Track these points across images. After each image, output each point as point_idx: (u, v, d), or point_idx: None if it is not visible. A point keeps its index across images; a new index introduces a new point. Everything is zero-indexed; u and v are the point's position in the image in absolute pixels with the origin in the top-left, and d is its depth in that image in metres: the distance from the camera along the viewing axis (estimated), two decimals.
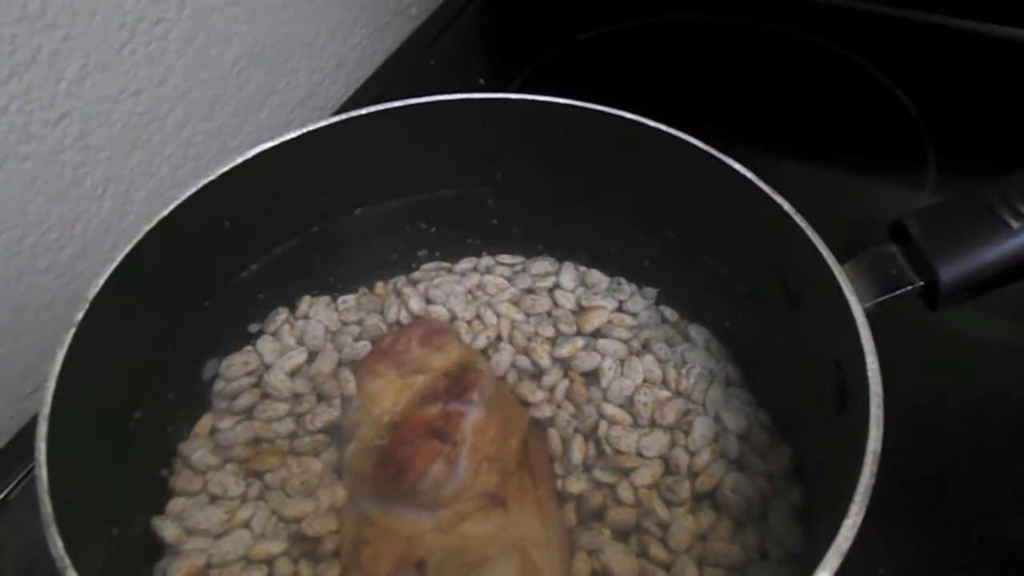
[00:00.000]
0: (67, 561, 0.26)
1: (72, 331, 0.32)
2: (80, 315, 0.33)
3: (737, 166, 0.37)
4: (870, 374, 0.29)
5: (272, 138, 0.40)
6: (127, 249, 0.35)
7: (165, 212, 0.37)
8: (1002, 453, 0.44)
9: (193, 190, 0.38)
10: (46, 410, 0.30)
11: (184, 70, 0.57)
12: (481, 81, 0.68)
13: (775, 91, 0.65)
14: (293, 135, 0.40)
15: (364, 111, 0.41)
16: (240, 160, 0.39)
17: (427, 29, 0.78)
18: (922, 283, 0.33)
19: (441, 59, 0.74)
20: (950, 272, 0.32)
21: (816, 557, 0.26)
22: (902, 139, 0.61)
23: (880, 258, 0.34)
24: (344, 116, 0.41)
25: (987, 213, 0.32)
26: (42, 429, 0.29)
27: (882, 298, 0.33)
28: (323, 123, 0.41)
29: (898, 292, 0.33)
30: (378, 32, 0.76)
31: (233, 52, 0.61)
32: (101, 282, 0.34)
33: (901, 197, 0.59)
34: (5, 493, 0.46)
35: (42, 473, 0.28)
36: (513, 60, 0.71)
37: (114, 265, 0.34)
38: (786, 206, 0.35)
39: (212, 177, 0.38)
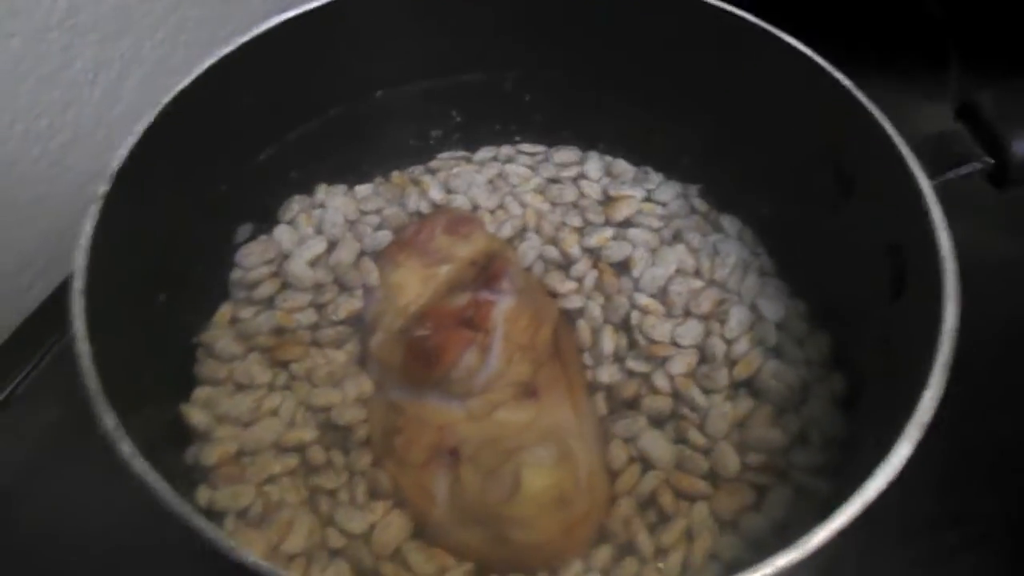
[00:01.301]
0: (122, 431, 0.25)
1: (100, 204, 0.30)
2: (105, 188, 0.31)
3: (792, 41, 0.35)
4: (943, 250, 0.29)
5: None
6: (147, 121, 0.33)
7: (184, 84, 0.34)
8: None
9: (212, 61, 0.35)
10: (80, 284, 0.28)
11: None
12: None
13: None
14: (316, 4, 0.37)
15: None
16: (262, 29, 0.37)
17: None
18: (992, 160, 0.32)
19: None
20: (1021, 148, 0.32)
21: (887, 433, 0.26)
22: (923, 42, 0.59)
23: (945, 137, 0.33)
24: None
25: None
26: (78, 303, 0.28)
27: (947, 175, 0.32)
28: None
29: (965, 169, 0.32)
30: None
31: None
32: (124, 154, 0.32)
33: (921, 103, 0.57)
34: (8, 391, 0.45)
35: (84, 348, 0.27)
36: None
37: (136, 137, 0.33)
38: (846, 82, 0.33)
39: (231, 48, 0.36)
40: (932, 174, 0.31)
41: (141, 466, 0.25)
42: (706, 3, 0.37)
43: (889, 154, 0.32)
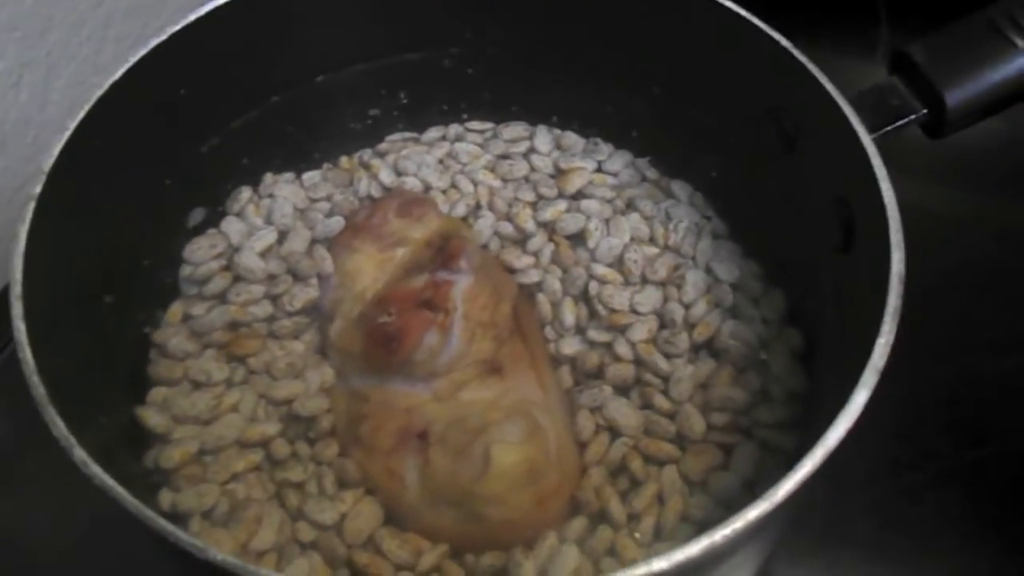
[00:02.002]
0: (72, 439, 0.24)
1: (32, 204, 0.29)
2: (38, 188, 0.30)
3: (730, 4, 0.35)
4: (886, 200, 0.29)
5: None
6: (80, 116, 0.32)
7: (116, 76, 0.33)
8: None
9: (144, 51, 0.34)
10: (18, 289, 0.27)
11: None
12: None
13: None
14: None
15: None
16: (193, 18, 0.35)
17: None
18: (926, 111, 0.33)
19: None
20: (956, 96, 0.32)
21: (845, 383, 0.27)
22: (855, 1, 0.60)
23: (881, 90, 0.34)
24: None
25: (992, 33, 0.32)
26: (17, 309, 0.27)
27: (888, 128, 0.32)
28: None
29: (902, 122, 0.33)
30: None
31: None
32: (56, 153, 0.31)
33: (852, 59, 0.58)
34: None
35: (26, 355, 0.26)
36: None
37: (67, 134, 0.31)
38: (785, 42, 0.34)
39: (163, 37, 0.35)
40: (872, 128, 0.31)
41: (96, 472, 0.24)
42: None
43: (829, 111, 0.32)
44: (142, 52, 0.34)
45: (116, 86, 0.33)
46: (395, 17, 0.42)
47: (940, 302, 0.45)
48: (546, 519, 0.35)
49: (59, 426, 0.25)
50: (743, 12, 0.35)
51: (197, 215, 0.42)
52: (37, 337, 0.27)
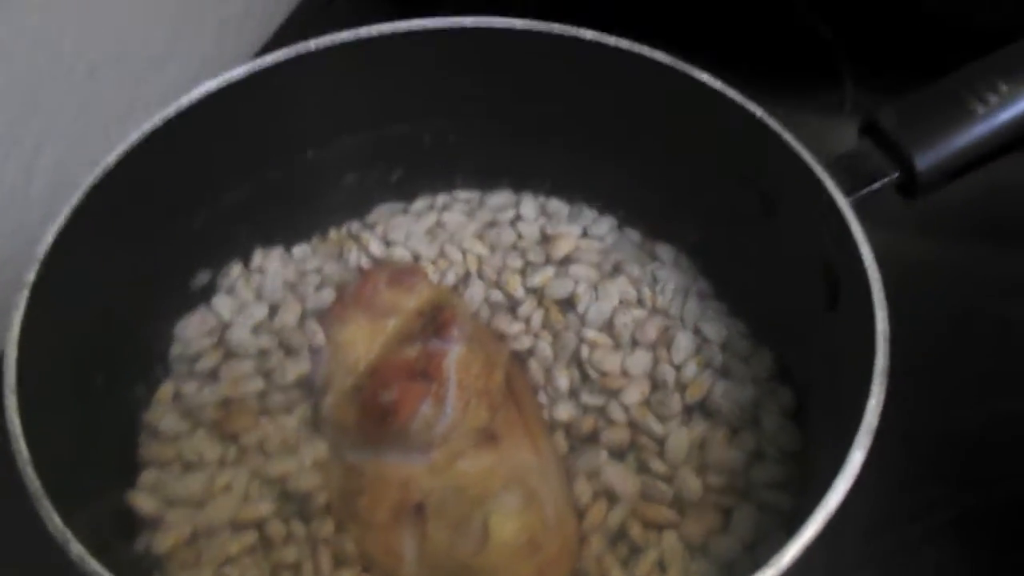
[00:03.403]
0: (68, 534, 0.24)
1: (27, 292, 0.29)
2: (32, 275, 0.30)
3: (706, 77, 0.36)
4: (866, 262, 0.30)
5: (181, 94, 0.37)
6: (73, 202, 0.32)
7: (109, 161, 0.34)
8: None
9: (137, 136, 0.35)
10: (12, 380, 0.27)
11: (82, 22, 0.53)
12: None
13: (684, 21, 0.65)
14: (240, 73, 0.37)
15: (312, 45, 0.39)
16: (185, 103, 0.36)
17: None
18: (898, 174, 0.34)
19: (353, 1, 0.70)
20: (925, 160, 0.33)
21: (839, 442, 0.27)
22: (818, 62, 0.62)
23: (854, 156, 0.35)
24: (292, 51, 0.39)
25: (955, 101, 0.34)
26: (11, 401, 0.27)
27: (862, 192, 0.33)
28: (270, 59, 0.38)
29: (876, 185, 0.34)
30: None
31: (134, 1, 0.56)
32: (50, 238, 0.31)
33: (821, 119, 0.60)
34: None
35: (21, 447, 0.26)
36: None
37: (61, 219, 0.32)
38: (759, 113, 0.35)
39: (156, 123, 0.35)
40: (848, 192, 0.32)
41: (94, 567, 0.24)
42: (619, 48, 0.38)
43: (806, 177, 0.33)
44: (134, 138, 0.35)
45: (109, 172, 0.34)
46: (379, 93, 0.43)
47: (926, 352, 0.46)
48: None
49: (55, 521, 0.24)
50: (716, 84, 0.36)
51: (187, 292, 0.42)
52: (30, 428, 0.27)
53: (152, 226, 0.38)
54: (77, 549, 0.24)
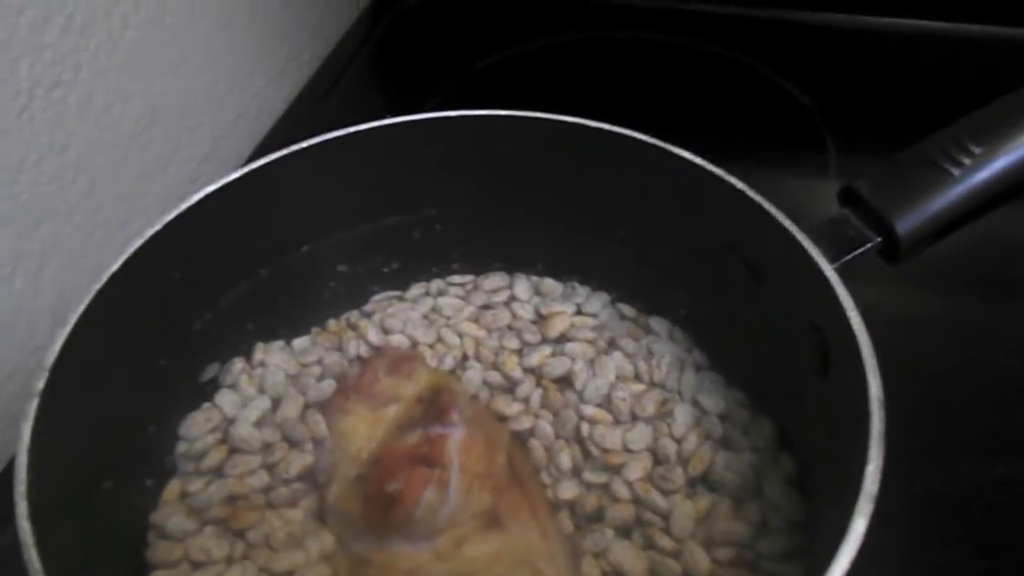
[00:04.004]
0: None
1: (35, 401, 0.30)
2: (41, 384, 0.30)
3: (686, 154, 0.38)
4: (855, 328, 0.31)
5: (181, 198, 0.39)
6: (80, 310, 0.33)
7: (114, 267, 0.35)
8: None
9: (140, 242, 0.36)
10: (22, 488, 0.28)
11: (85, 134, 0.55)
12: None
13: (667, 98, 0.67)
14: (237, 175, 0.39)
15: (306, 144, 0.40)
16: (184, 207, 0.37)
17: (324, 74, 0.77)
18: (880, 239, 0.35)
19: (344, 100, 0.73)
20: (905, 224, 0.35)
21: (842, 509, 0.27)
22: (798, 128, 0.64)
23: (835, 223, 0.36)
24: (286, 151, 0.40)
25: (930, 165, 0.35)
26: (22, 508, 0.27)
27: (845, 258, 0.34)
28: (264, 161, 0.40)
29: (859, 251, 0.35)
30: (274, 81, 0.75)
31: (134, 112, 0.59)
32: (57, 347, 0.32)
33: (806, 183, 0.62)
34: None
35: (32, 555, 0.26)
36: (416, 94, 0.71)
37: (68, 328, 0.32)
38: (740, 185, 0.36)
39: (158, 227, 0.37)
40: (832, 259, 0.33)
41: None
42: (601, 130, 0.40)
43: (790, 246, 0.34)
44: (137, 242, 0.36)
45: (113, 278, 0.35)
46: (371, 187, 0.45)
47: (925, 412, 0.46)
48: None
49: None
50: (698, 160, 0.38)
51: (191, 391, 0.42)
52: (41, 533, 0.27)
53: (155, 328, 0.39)
54: None
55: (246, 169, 0.39)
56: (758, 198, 0.36)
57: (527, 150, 0.43)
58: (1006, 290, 0.55)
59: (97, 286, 0.34)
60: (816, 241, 0.34)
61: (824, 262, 0.33)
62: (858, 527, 0.26)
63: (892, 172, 0.36)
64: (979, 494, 0.45)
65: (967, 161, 0.35)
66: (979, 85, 0.44)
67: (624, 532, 0.38)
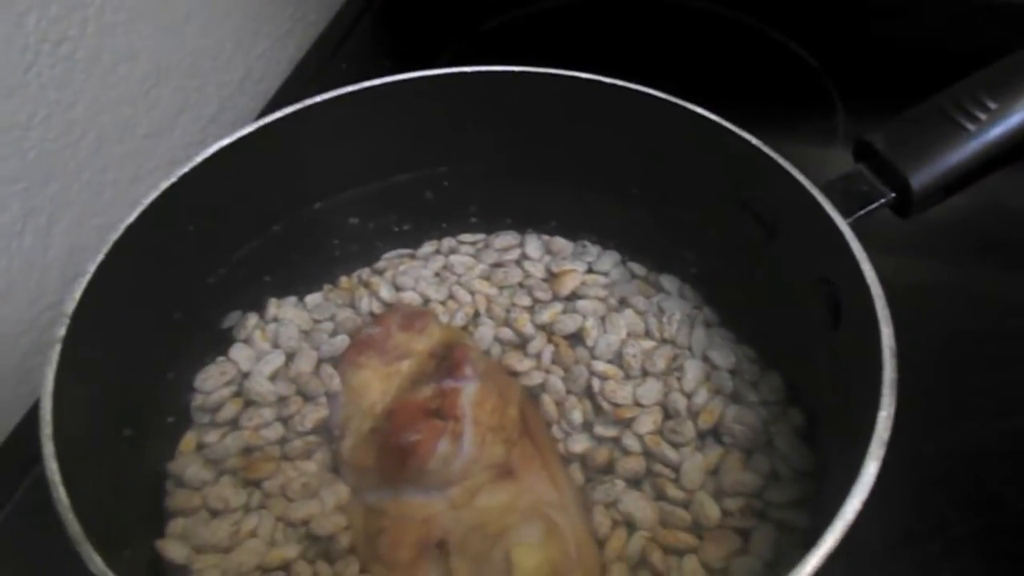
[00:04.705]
0: (110, 574, 0.25)
1: (58, 347, 0.30)
2: (62, 331, 0.31)
3: (701, 110, 0.38)
4: (869, 280, 0.31)
5: (188, 157, 0.39)
6: (98, 259, 0.33)
7: (131, 219, 0.35)
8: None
9: (155, 194, 0.36)
10: (48, 430, 0.28)
11: (92, 92, 0.55)
12: None
13: (673, 61, 0.67)
14: (251, 129, 0.39)
15: (319, 98, 0.41)
16: (199, 159, 0.37)
17: (329, 35, 0.77)
18: (894, 194, 0.35)
19: (350, 62, 0.73)
20: (920, 179, 0.35)
21: (852, 457, 0.28)
22: (808, 92, 0.64)
23: (849, 178, 0.36)
24: (300, 105, 0.40)
25: (945, 120, 0.35)
26: (48, 449, 0.28)
27: (859, 213, 0.35)
28: (279, 114, 0.40)
29: (873, 205, 0.35)
30: (280, 42, 0.74)
31: (140, 70, 0.58)
32: (77, 295, 0.32)
33: (816, 147, 0.62)
34: None
35: (60, 493, 0.27)
36: (423, 56, 0.71)
37: (87, 277, 0.33)
38: (755, 141, 0.36)
39: (173, 180, 0.37)
40: (845, 214, 0.34)
41: None
42: (615, 86, 0.40)
43: (804, 202, 0.34)
44: (153, 195, 0.36)
45: (130, 229, 0.35)
46: (383, 144, 0.45)
47: (931, 372, 0.47)
48: None
49: (96, 562, 0.25)
50: (713, 116, 0.38)
51: (205, 344, 0.43)
52: (67, 473, 0.28)
53: (171, 281, 0.39)
54: None
55: (260, 123, 0.39)
56: (773, 154, 0.36)
57: (539, 108, 0.43)
58: (1011, 255, 0.55)
59: (115, 236, 0.34)
60: (829, 196, 0.34)
61: (837, 216, 0.33)
62: (870, 470, 0.27)
63: (907, 126, 0.36)
64: (982, 450, 0.46)
65: (982, 116, 0.35)
66: (990, 47, 0.44)
67: (634, 483, 0.39)
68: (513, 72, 0.41)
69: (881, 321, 0.30)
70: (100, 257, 0.33)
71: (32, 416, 0.45)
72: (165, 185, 0.36)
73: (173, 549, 0.35)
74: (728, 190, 0.40)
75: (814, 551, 0.25)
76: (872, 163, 0.36)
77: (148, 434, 0.38)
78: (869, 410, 0.29)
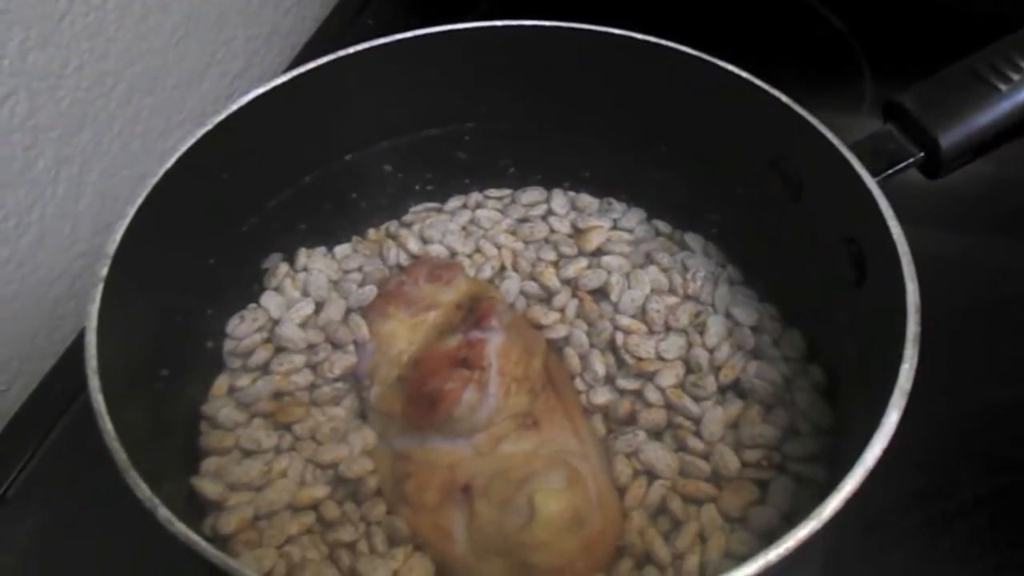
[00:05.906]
0: (156, 500, 0.26)
1: (100, 286, 0.31)
2: (104, 270, 0.32)
3: (733, 68, 0.38)
4: (896, 237, 0.31)
5: (216, 111, 0.39)
6: (137, 203, 0.34)
7: (168, 164, 0.36)
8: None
9: (192, 141, 0.37)
10: (93, 364, 0.29)
11: (124, 42, 0.55)
12: None
13: (700, 24, 0.66)
14: (284, 79, 0.40)
15: (352, 49, 0.41)
16: (234, 107, 0.38)
17: None
18: (923, 154, 0.35)
19: (377, 18, 0.73)
20: (949, 139, 0.35)
21: (873, 411, 0.28)
22: (836, 56, 0.64)
23: (878, 138, 0.36)
24: (332, 56, 0.41)
25: (977, 80, 0.35)
26: (94, 382, 0.29)
27: (887, 172, 0.35)
28: (313, 64, 0.40)
29: (902, 165, 0.35)
30: None
31: (170, 22, 0.59)
32: (118, 237, 0.33)
33: (842, 111, 0.61)
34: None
35: (106, 424, 0.28)
36: (450, 13, 0.70)
37: (127, 220, 0.34)
38: (785, 99, 0.36)
39: (209, 127, 0.37)
40: (873, 172, 0.34)
41: (180, 529, 0.26)
42: (647, 42, 0.40)
43: (832, 159, 0.34)
44: (190, 142, 0.37)
45: (167, 175, 0.36)
46: (414, 98, 0.45)
47: (950, 338, 0.47)
48: (593, 563, 0.36)
49: (143, 488, 0.26)
50: (743, 73, 0.38)
51: (237, 290, 0.44)
52: (110, 406, 0.29)
53: (205, 228, 0.40)
54: (164, 513, 0.26)
55: (294, 72, 0.40)
56: (803, 111, 0.36)
57: (569, 64, 0.43)
58: None
59: (153, 180, 0.35)
60: (858, 155, 0.34)
61: (866, 174, 0.33)
62: (891, 419, 0.27)
63: (937, 86, 0.36)
64: (994, 416, 0.47)
65: (1015, 76, 0.35)
66: (1015, 12, 0.43)
67: (656, 435, 0.39)
68: (542, 27, 0.42)
69: (907, 277, 0.30)
70: (139, 200, 0.34)
71: (63, 364, 0.47)
72: (201, 132, 0.37)
73: (207, 486, 0.36)
74: (756, 148, 0.40)
75: (835, 494, 0.26)
76: (901, 123, 0.36)
77: (183, 376, 0.39)
78: (892, 364, 0.29)
